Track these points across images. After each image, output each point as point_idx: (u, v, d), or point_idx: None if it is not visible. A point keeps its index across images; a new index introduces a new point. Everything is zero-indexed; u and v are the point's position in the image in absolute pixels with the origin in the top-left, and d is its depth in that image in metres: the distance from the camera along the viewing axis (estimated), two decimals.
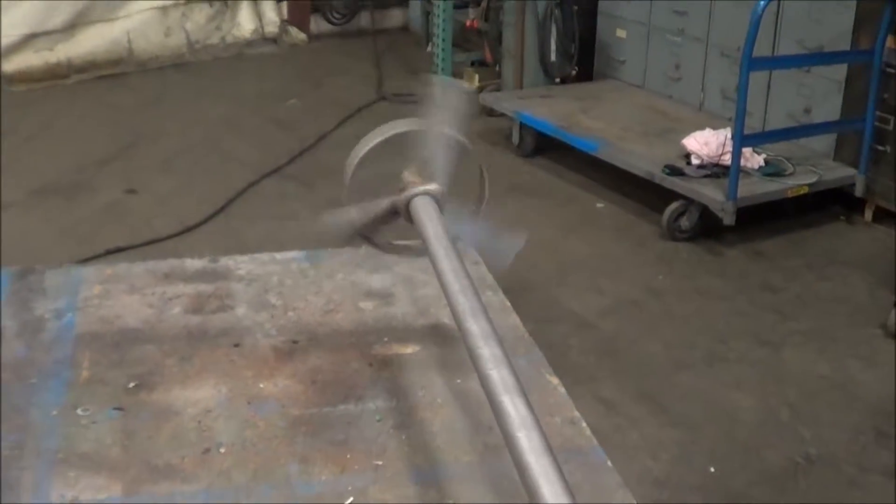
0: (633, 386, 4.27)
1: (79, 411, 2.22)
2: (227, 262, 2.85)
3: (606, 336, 4.68)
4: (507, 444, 1.54)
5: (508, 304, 2.63)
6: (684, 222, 5.59)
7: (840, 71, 5.91)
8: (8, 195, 5.94)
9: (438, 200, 2.20)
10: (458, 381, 2.30)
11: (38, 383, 2.32)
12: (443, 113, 2.30)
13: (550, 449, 1.50)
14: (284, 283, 2.74)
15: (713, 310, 4.94)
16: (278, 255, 2.89)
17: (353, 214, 2.35)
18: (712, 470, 3.75)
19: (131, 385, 2.31)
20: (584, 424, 2.18)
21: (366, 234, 2.43)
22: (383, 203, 2.29)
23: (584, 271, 5.30)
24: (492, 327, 1.75)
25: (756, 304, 4.99)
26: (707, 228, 5.58)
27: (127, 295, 2.69)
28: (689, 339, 4.65)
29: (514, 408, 1.57)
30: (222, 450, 2.09)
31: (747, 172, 5.66)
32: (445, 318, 2.53)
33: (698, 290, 5.14)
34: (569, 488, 1.44)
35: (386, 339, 2.48)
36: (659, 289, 5.12)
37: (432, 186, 2.21)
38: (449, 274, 1.91)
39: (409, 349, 2.44)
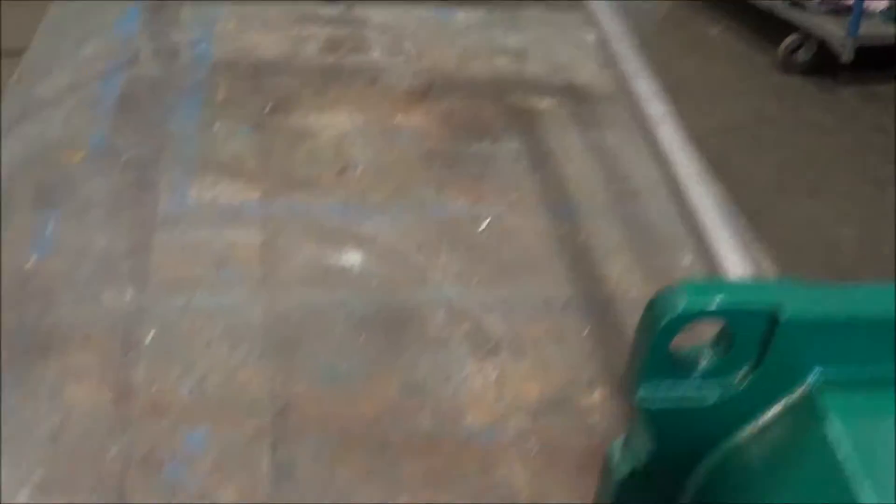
0: (734, 206, 4.23)
1: (216, 126, 2.24)
2: (362, 11, 2.83)
3: (710, 155, 4.60)
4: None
5: None
6: (801, 55, 5.46)
7: None
8: None
9: None
10: (594, 134, 2.29)
11: (173, 101, 2.35)
12: None
13: None
14: (420, 34, 2.72)
15: (821, 144, 4.86)
16: (413, 10, 2.86)
17: None
18: None
19: (268, 108, 2.33)
20: None
21: None
22: None
23: (694, 94, 5.21)
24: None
25: (865, 144, 4.90)
26: (822, 65, 5.45)
27: (263, 32, 2.69)
28: (794, 169, 4.60)
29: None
30: (358, 170, 2.11)
31: (870, 14, 5.49)
32: (582, 79, 2.51)
33: (808, 123, 5.05)
34: None
35: (521, 91, 2.47)
36: (768, 117, 5.05)
37: None
38: None
39: (545, 103, 2.42)
